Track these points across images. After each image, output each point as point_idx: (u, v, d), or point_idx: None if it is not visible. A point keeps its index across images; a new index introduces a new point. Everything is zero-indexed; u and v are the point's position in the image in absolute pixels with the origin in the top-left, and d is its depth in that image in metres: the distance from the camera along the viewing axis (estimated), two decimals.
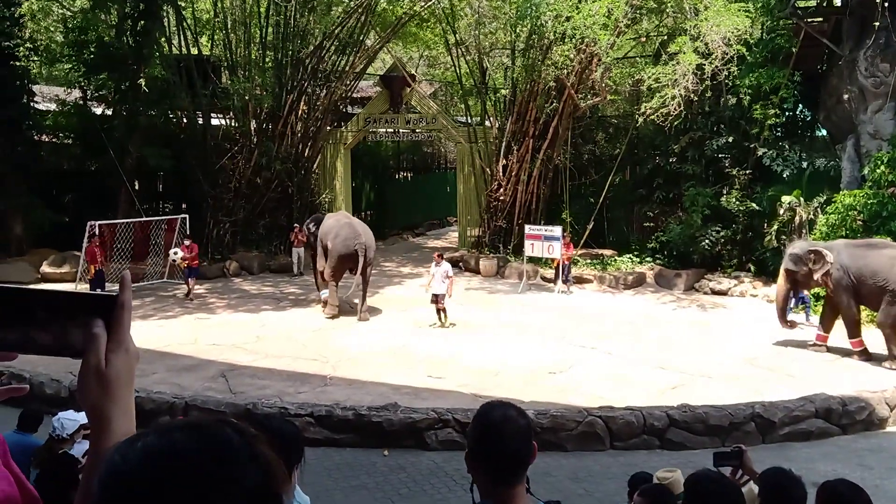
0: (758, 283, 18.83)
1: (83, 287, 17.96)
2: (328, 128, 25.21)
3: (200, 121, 23.13)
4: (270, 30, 22.95)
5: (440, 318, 15.18)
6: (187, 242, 18.08)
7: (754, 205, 19.35)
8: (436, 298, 15.08)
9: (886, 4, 16.57)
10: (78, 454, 5.14)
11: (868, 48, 17.64)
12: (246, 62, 22.80)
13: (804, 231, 17.98)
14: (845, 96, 18.59)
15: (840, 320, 13.42)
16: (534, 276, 20.29)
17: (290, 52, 23.03)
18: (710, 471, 3.40)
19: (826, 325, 13.60)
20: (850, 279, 12.85)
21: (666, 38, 20.50)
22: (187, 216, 20.67)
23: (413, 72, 28.27)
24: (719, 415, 9.68)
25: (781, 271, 13.74)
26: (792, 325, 14.03)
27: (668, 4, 18.43)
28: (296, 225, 21.11)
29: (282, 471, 0.97)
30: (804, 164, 19.43)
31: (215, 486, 0.88)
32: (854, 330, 13.18)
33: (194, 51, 23.06)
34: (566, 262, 19.12)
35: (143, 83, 20.08)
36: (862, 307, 13.40)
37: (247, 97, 21.87)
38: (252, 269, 21.70)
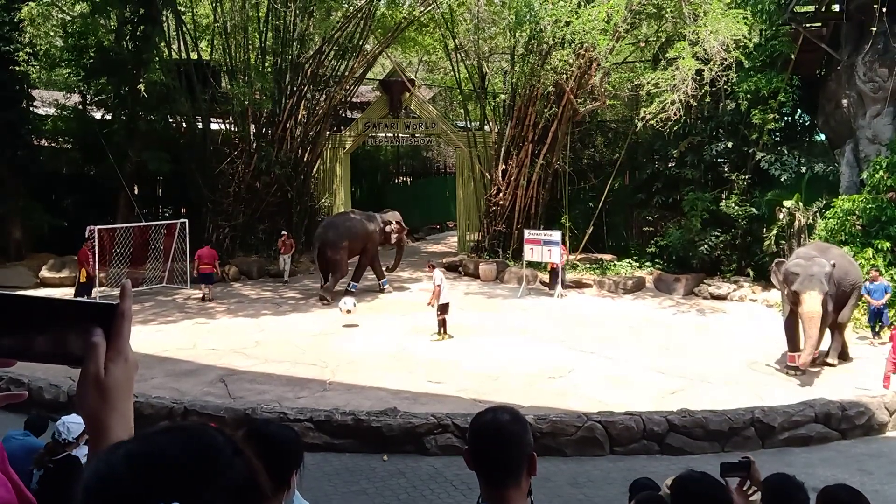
0: (757, 288, 18.82)
1: None
2: (327, 132, 25.23)
3: (200, 125, 23.14)
4: (270, 34, 22.98)
5: (444, 330, 14.79)
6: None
7: (753, 209, 19.37)
8: (444, 308, 14.68)
9: (885, 10, 16.61)
10: (82, 456, 5.16)
11: (866, 53, 17.67)
12: (245, 67, 22.83)
13: (803, 236, 17.99)
14: (844, 101, 18.62)
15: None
16: (533, 280, 20.29)
17: (290, 57, 23.06)
18: (695, 471, 3.40)
19: (798, 342, 12.54)
20: (833, 286, 12.26)
21: (665, 43, 20.54)
22: (187, 221, 20.66)
23: (412, 77, 28.33)
24: (719, 420, 9.66)
25: (816, 297, 11.74)
26: (823, 362, 12.70)
27: (668, 10, 18.47)
28: (283, 232, 20.97)
29: (262, 470, 0.97)
30: (803, 169, 19.45)
31: (201, 482, 0.88)
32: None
33: (194, 56, 23.09)
34: (559, 266, 19.15)
35: (143, 88, 20.09)
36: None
37: (246, 102, 21.88)
38: (251, 274, 21.67)
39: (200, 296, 18.44)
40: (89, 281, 17.23)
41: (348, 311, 15.53)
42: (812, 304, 11.75)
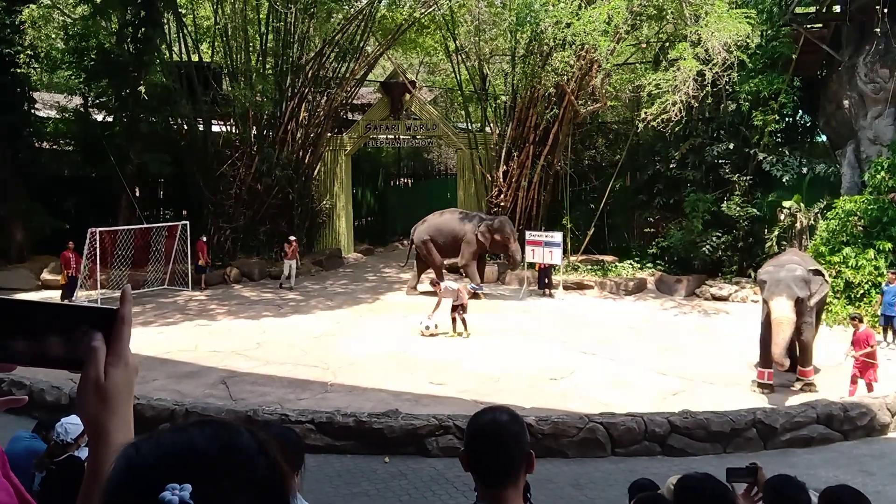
0: (758, 289, 18.78)
1: (83, 294, 18.00)
2: (328, 134, 25.25)
3: (201, 127, 23.16)
4: (270, 36, 23.01)
5: (456, 327, 15.11)
6: (204, 238, 20.56)
7: (755, 210, 19.37)
8: (457, 308, 15.02)
9: (886, 11, 16.60)
10: (83, 458, 5.16)
11: (868, 54, 17.68)
12: (246, 69, 22.85)
13: (805, 237, 17.98)
14: (845, 102, 18.62)
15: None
16: (534, 282, 20.27)
17: (291, 59, 23.08)
18: (698, 472, 3.41)
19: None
20: (808, 290, 11.65)
21: (666, 44, 20.54)
22: (188, 223, 20.68)
23: (413, 78, 28.35)
24: (721, 421, 9.65)
25: (785, 303, 11.13)
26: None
27: (668, 11, 18.47)
28: (291, 238, 20.70)
29: (290, 473, 0.99)
30: (804, 170, 19.45)
31: (224, 477, 0.91)
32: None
33: (195, 57, 23.11)
34: (544, 267, 19.17)
35: (144, 90, 20.11)
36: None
37: (247, 104, 21.90)
38: (253, 276, 21.68)
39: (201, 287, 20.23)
40: (70, 282, 17.98)
41: (427, 329, 14.99)
42: (780, 309, 11.15)
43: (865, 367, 11.27)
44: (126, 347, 1.15)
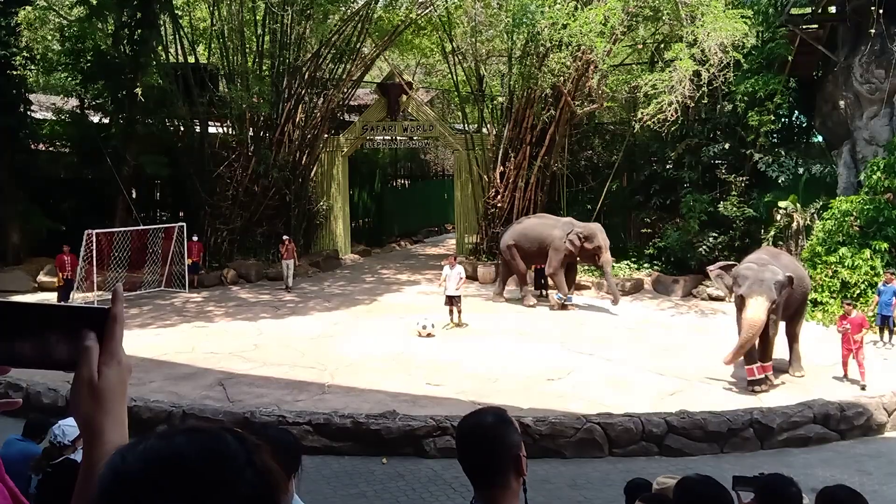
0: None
1: (79, 296, 17.97)
2: (325, 136, 25.22)
3: (198, 129, 23.11)
4: (267, 38, 22.98)
5: (452, 319, 15.51)
6: (195, 238, 20.47)
7: (751, 211, 19.38)
8: (451, 300, 15.50)
9: (882, 11, 16.65)
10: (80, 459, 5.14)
11: (863, 54, 17.71)
12: (243, 70, 22.82)
13: (801, 237, 18.01)
14: (841, 102, 18.66)
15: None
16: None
17: (287, 61, 23.06)
18: (699, 474, 3.43)
19: (755, 353, 11.78)
20: (783, 295, 11.64)
21: (662, 45, 20.56)
22: (185, 224, 20.65)
23: (410, 79, 28.32)
24: (718, 421, 9.67)
25: (762, 304, 11.22)
26: (770, 385, 11.86)
27: (665, 12, 18.48)
28: (285, 237, 20.71)
29: (282, 480, 0.97)
30: (800, 171, 19.48)
31: (211, 489, 0.89)
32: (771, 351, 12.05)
33: (191, 59, 23.07)
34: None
35: (140, 92, 20.06)
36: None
37: (244, 105, 21.86)
38: (250, 277, 21.65)
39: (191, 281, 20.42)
40: (66, 284, 17.97)
41: (423, 329, 14.86)
42: (756, 310, 11.22)
43: (858, 349, 11.72)
44: (119, 346, 1.15)
